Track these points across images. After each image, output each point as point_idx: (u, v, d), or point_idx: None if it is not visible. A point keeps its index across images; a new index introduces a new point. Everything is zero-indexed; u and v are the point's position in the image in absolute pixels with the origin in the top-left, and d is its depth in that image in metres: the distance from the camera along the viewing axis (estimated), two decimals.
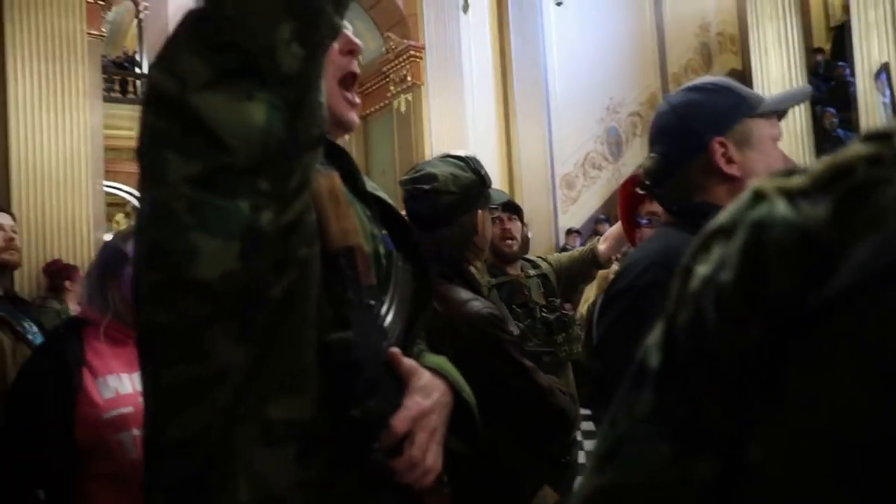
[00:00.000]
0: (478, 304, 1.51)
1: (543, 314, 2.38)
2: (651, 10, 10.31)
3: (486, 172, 1.64)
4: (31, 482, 1.45)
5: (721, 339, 0.34)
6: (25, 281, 4.50)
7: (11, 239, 2.59)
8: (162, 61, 0.66)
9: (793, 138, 7.24)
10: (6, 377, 2.42)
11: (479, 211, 1.61)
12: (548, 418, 1.56)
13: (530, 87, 8.60)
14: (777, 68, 7.82)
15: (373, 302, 0.85)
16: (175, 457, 0.72)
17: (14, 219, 2.78)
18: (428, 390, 0.87)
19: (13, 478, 1.44)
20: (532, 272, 2.55)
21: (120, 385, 1.49)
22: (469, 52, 8.15)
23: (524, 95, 8.49)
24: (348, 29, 0.97)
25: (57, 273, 4.06)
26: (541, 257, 2.73)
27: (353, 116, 1.00)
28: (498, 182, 8.11)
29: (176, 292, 0.68)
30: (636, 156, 9.92)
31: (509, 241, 2.46)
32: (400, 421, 0.81)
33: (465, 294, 1.53)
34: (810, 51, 8.84)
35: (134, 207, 16.96)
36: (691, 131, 1.16)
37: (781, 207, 0.34)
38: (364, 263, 0.85)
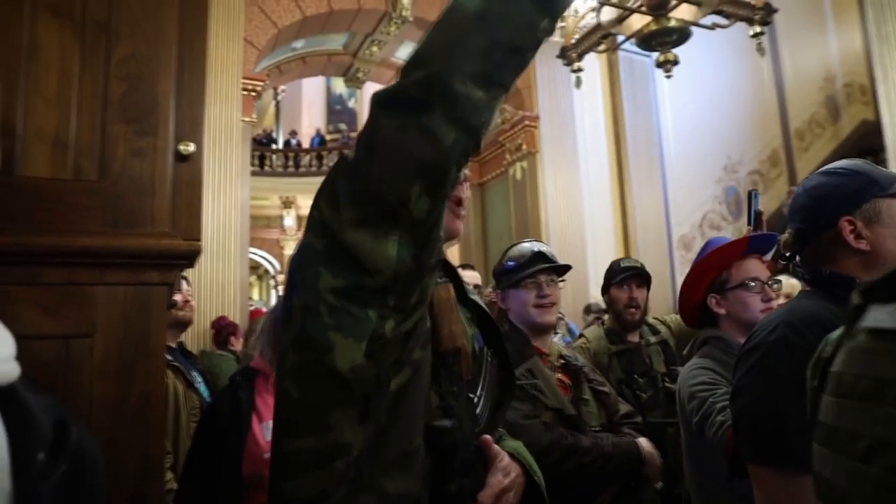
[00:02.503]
0: None
1: (666, 384, 2.43)
2: (769, 67, 10.03)
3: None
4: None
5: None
6: (188, 336, 4.99)
7: (187, 301, 3.03)
8: (324, 195, 0.83)
9: None
10: (179, 419, 2.79)
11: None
12: None
13: (644, 150, 8.57)
14: None
15: (471, 395, 1.00)
16: None
17: (189, 283, 3.25)
18: (507, 470, 0.99)
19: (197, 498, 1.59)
20: (652, 339, 2.60)
21: None
22: (582, 120, 8.26)
23: (638, 159, 8.47)
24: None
25: (224, 328, 4.53)
26: (659, 318, 2.75)
27: (459, 226, 1.12)
28: (613, 244, 8.07)
29: (312, 374, 0.81)
30: None
31: (633, 310, 2.55)
32: (486, 497, 0.93)
33: None
34: None
35: (265, 271, 18.07)
36: (822, 210, 1.29)
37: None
38: (466, 361, 0.99)
